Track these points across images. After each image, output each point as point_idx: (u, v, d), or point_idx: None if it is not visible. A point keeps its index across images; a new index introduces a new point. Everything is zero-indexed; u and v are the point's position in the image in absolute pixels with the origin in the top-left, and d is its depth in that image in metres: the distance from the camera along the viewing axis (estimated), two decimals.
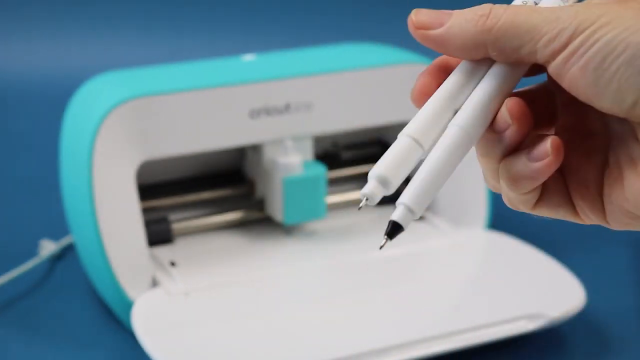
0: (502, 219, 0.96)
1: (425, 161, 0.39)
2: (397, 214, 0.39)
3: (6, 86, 1.33)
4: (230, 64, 0.92)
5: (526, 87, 0.43)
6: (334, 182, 0.98)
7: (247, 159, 0.95)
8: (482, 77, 0.41)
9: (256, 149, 0.92)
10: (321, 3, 1.43)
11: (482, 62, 0.41)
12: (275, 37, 1.38)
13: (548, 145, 0.39)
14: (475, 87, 0.41)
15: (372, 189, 0.39)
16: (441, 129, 0.40)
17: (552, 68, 0.38)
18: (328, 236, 0.93)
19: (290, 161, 0.89)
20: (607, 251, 0.98)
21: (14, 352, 0.82)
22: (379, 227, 0.95)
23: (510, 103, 0.39)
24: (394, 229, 0.39)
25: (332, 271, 0.88)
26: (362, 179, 1.00)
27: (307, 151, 0.91)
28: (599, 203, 0.41)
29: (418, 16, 0.41)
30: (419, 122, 0.40)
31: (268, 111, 0.88)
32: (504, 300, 0.83)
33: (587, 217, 0.42)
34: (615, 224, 0.41)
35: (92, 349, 0.83)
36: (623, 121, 0.39)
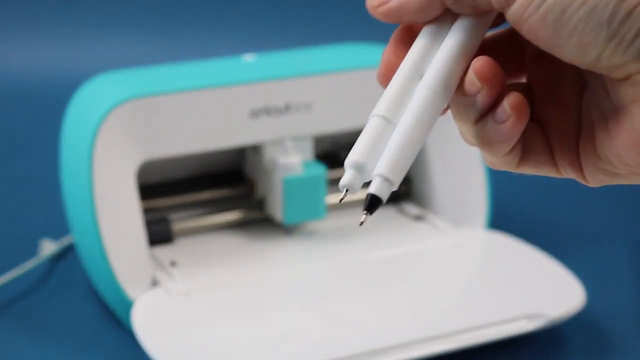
0: (502, 219, 0.96)
1: (397, 128, 0.38)
2: (374, 186, 0.37)
3: (6, 86, 1.33)
4: (230, 64, 0.92)
5: (493, 32, 0.41)
6: (334, 182, 0.98)
7: (247, 159, 0.95)
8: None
9: (256, 149, 0.92)
10: (321, 3, 1.43)
11: (442, 25, 0.39)
12: (275, 37, 1.38)
13: (505, 104, 0.37)
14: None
15: (351, 178, 0.37)
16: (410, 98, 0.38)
17: (510, 15, 0.36)
18: (328, 236, 0.93)
19: (290, 161, 0.89)
20: (607, 251, 0.98)
21: (14, 352, 0.82)
22: (379, 227, 0.95)
23: (478, 65, 0.37)
24: (372, 203, 0.37)
25: (332, 271, 0.88)
26: None
27: (307, 151, 0.91)
28: (577, 159, 0.39)
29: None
30: (387, 99, 0.38)
31: (268, 111, 0.88)
32: (504, 300, 0.83)
33: (567, 174, 0.40)
34: (592, 181, 0.39)
35: (92, 349, 0.83)
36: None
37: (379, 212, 1.04)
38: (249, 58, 0.93)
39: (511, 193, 1.03)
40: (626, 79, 0.35)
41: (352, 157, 0.37)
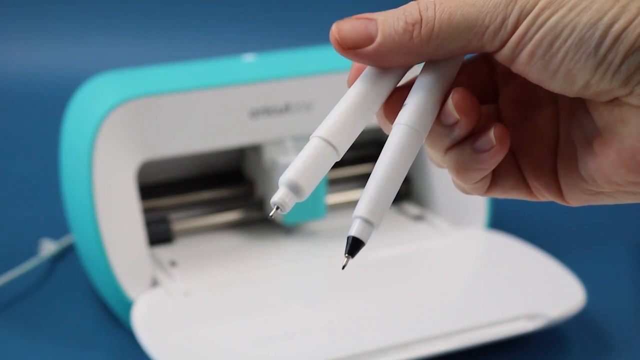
0: (502, 219, 0.96)
1: (376, 166, 0.37)
2: (355, 229, 0.36)
3: (6, 86, 1.33)
4: (230, 64, 0.92)
5: (465, 60, 0.40)
6: (334, 182, 0.98)
7: (247, 159, 0.95)
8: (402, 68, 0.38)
9: (256, 149, 0.92)
10: (321, 3, 1.43)
11: None
12: (275, 37, 1.38)
13: (491, 134, 0.37)
14: (395, 78, 0.38)
15: (283, 197, 0.36)
16: (357, 128, 0.37)
17: (499, 56, 0.36)
18: (328, 236, 0.93)
19: (290, 161, 0.89)
20: (607, 251, 0.98)
21: (14, 352, 0.82)
22: (379, 227, 0.95)
23: (456, 97, 0.37)
24: (354, 246, 0.36)
25: (332, 271, 0.88)
26: (362, 179, 1.00)
27: None
28: (554, 182, 0.39)
29: (341, 32, 0.38)
30: (331, 122, 0.37)
31: (268, 111, 0.88)
32: (504, 300, 0.83)
33: (543, 196, 0.40)
34: (574, 202, 0.39)
35: (92, 349, 0.83)
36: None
37: None
38: (249, 58, 0.93)
39: None
40: (612, 100, 0.36)
41: (288, 175, 0.36)
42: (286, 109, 0.88)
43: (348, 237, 0.36)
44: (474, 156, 0.38)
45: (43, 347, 0.83)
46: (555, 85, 0.36)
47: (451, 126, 0.38)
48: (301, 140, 0.90)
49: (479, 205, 0.93)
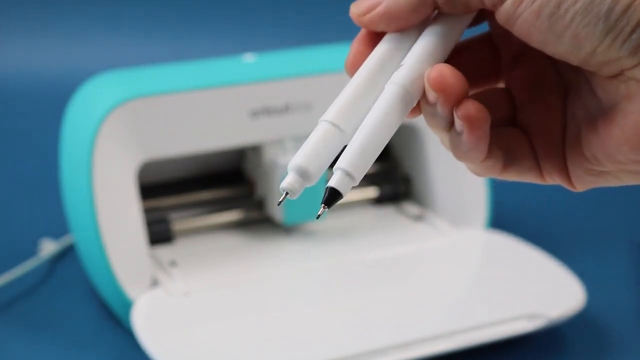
0: (502, 219, 0.96)
1: (364, 121, 0.37)
2: (334, 179, 0.36)
3: (6, 86, 1.33)
4: (230, 64, 0.92)
5: (467, 38, 0.40)
6: None
7: (247, 159, 0.95)
8: (412, 45, 0.38)
9: (256, 149, 0.92)
10: (321, 3, 1.43)
11: (407, 33, 0.38)
12: (275, 37, 1.38)
13: (460, 116, 0.36)
14: (401, 58, 0.38)
15: (292, 182, 0.37)
16: (363, 110, 0.37)
17: (500, 13, 0.35)
18: (328, 236, 0.93)
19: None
20: (607, 251, 0.98)
21: (14, 352, 0.82)
22: (379, 227, 0.95)
23: (432, 74, 0.36)
24: (331, 196, 0.36)
25: (332, 271, 0.88)
26: (362, 179, 1.00)
27: None
28: (562, 164, 0.39)
29: (358, 7, 0.38)
30: (338, 105, 0.37)
31: (268, 111, 0.88)
32: (504, 300, 0.83)
33: (552, 179, 0.39)
34: (579, 185, 0.39)
35: (92, 349, 0.83)
36: (577, 70, 0.37)
37: (379, 212, 1.03)
38: (249, 58, 0.93)
39: (511, 193, 1.03)
40: (617, 75, 0.35)
41: (296, 160, 0.37)
42: (286, 109, 0.88)
43: (326, 188, 0.36)
44: (459, 137, 0.37)
45: (43, 347, 0.83)
46: (561, 49, 0.35)
47: (434, 104, 0.37)
48: (301, 140, 0.90)
49: (478, 205, 0.93)
